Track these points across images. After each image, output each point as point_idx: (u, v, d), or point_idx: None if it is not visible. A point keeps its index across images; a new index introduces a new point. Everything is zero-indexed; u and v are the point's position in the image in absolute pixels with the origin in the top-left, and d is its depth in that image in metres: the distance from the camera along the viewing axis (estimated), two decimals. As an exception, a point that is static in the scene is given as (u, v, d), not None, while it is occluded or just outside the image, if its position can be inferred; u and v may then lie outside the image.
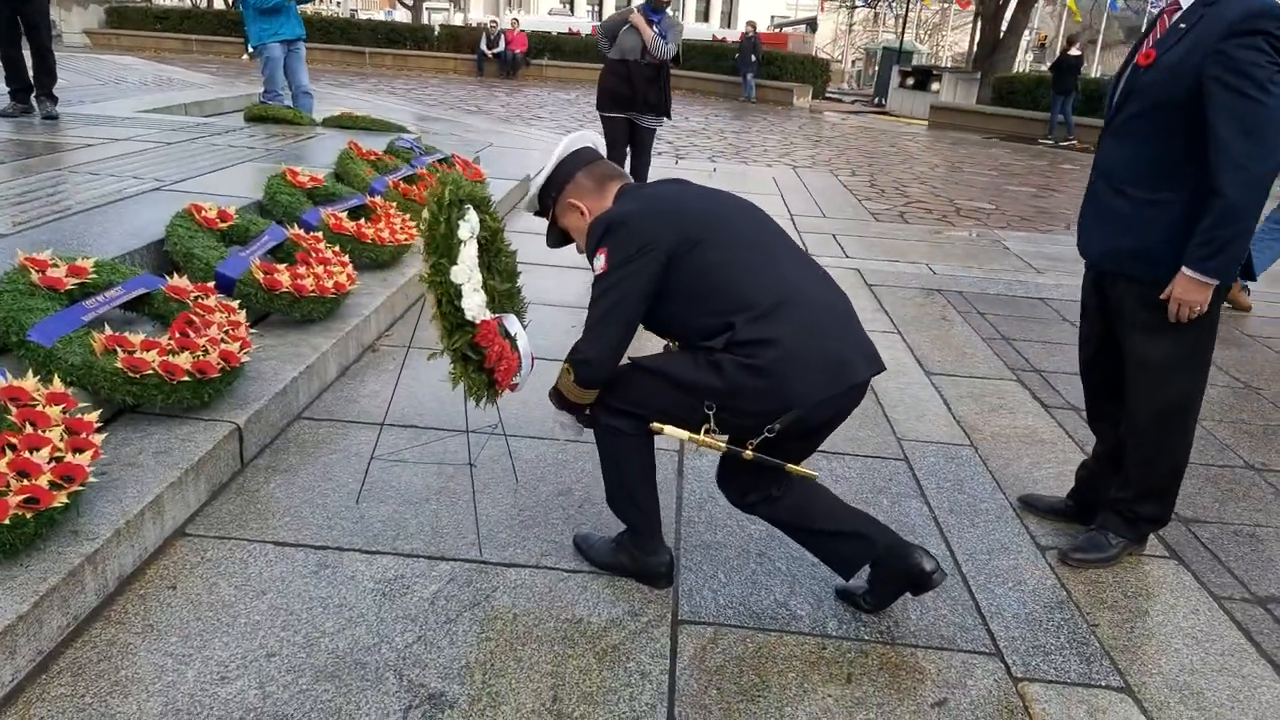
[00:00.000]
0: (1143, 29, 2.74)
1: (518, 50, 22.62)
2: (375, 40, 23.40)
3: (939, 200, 8.82)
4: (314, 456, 2.82)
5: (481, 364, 2.29)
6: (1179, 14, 2.26)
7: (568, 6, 69.31)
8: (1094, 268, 2.53)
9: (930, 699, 2.01)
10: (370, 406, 3.20)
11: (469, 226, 2.26)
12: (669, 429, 2.07)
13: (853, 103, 25.73)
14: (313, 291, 3.35)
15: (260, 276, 3.25)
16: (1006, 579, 2.47)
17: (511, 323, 2.45)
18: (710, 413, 2.01)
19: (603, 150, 2.38)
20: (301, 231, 3.80)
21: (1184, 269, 2.20)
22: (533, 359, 2.51)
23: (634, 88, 5.82)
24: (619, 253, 2.03)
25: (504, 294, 2.53)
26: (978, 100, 19.21)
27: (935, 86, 21.36)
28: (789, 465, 2.10)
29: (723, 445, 2.05)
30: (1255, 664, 2.20)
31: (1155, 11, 2.52)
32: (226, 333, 2.80)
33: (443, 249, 2.19)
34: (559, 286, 4.74)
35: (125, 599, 2.10)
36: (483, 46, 22.60)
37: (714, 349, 2.00)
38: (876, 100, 24.76)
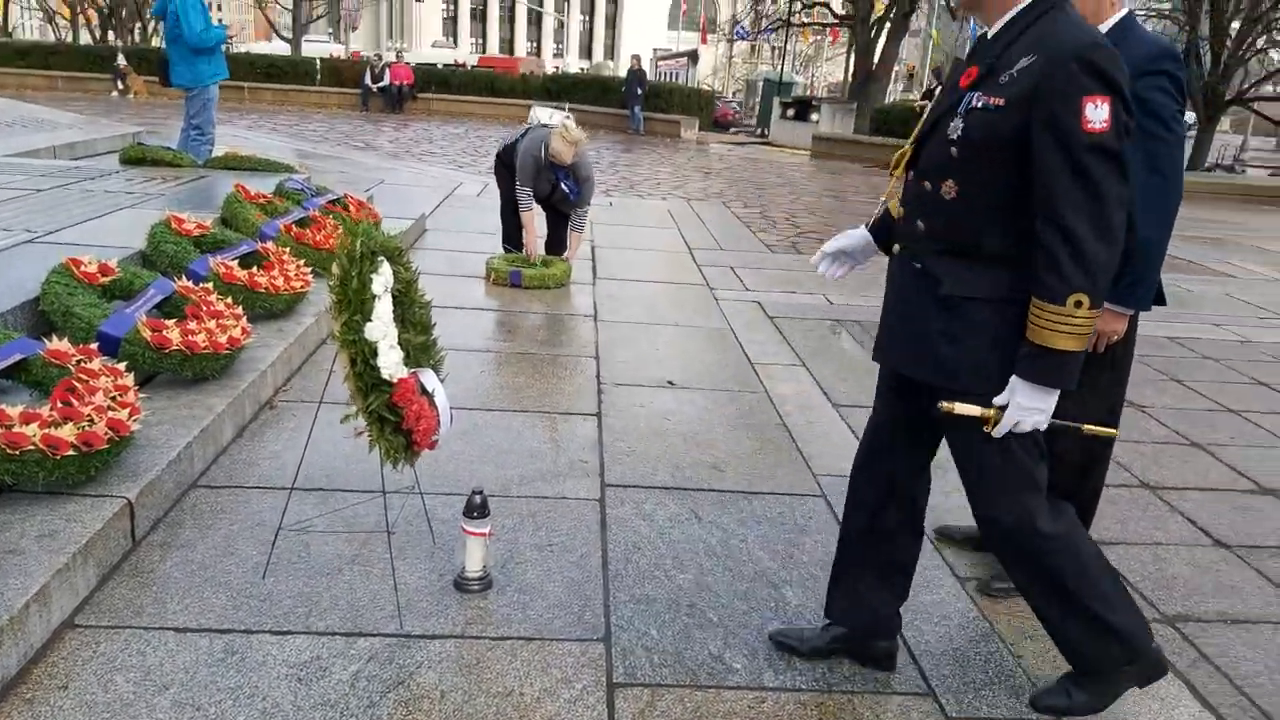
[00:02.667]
0: None
1: (403, 84, 22.31)
2: (254, 75, 22.69)
3: (829, 229, 9.06)
4: (213, 528, 2.65)
5: (399, 424, 2.20)
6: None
7: (451, 39, 68.98)
8: None
9: (871, 747, 2.00)
10: (271, 470, 3.04)
11: (382, 280, 2.17)
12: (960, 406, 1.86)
13: (736, 133, 26.37)
14: (205, 348, 3.17)
15: (148, 334, 3.06)
16: (932, 614, 2.51)
17: (429, 377, 2.36)
18: None
19: None
20: (190, 283, 3.60)
21: (1105, 303, 2.30)
22: (451, 413, 2.42)
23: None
24: (1126, 111, 1.72)
25: (419, 347, 2.44)
26: (855, 130, 19.95)
27: (815, 117, 22.11)
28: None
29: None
30: (1170, 684, 2.28)
31: None
32: (113, 399, 2.61)
33: (355, 305, 2.10)
34: (467, 329, 4.65)
35: (10, 705, 1.91)
36: (367, 81, 22.21)
37: None
38: (760, 131, 25.45)
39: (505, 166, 5.87)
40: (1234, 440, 4.03)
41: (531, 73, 29.73)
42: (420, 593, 2.43)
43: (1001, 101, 1.76)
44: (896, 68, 28.60)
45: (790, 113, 23.44)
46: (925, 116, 1.96)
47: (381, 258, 2.21)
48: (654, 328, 5.06)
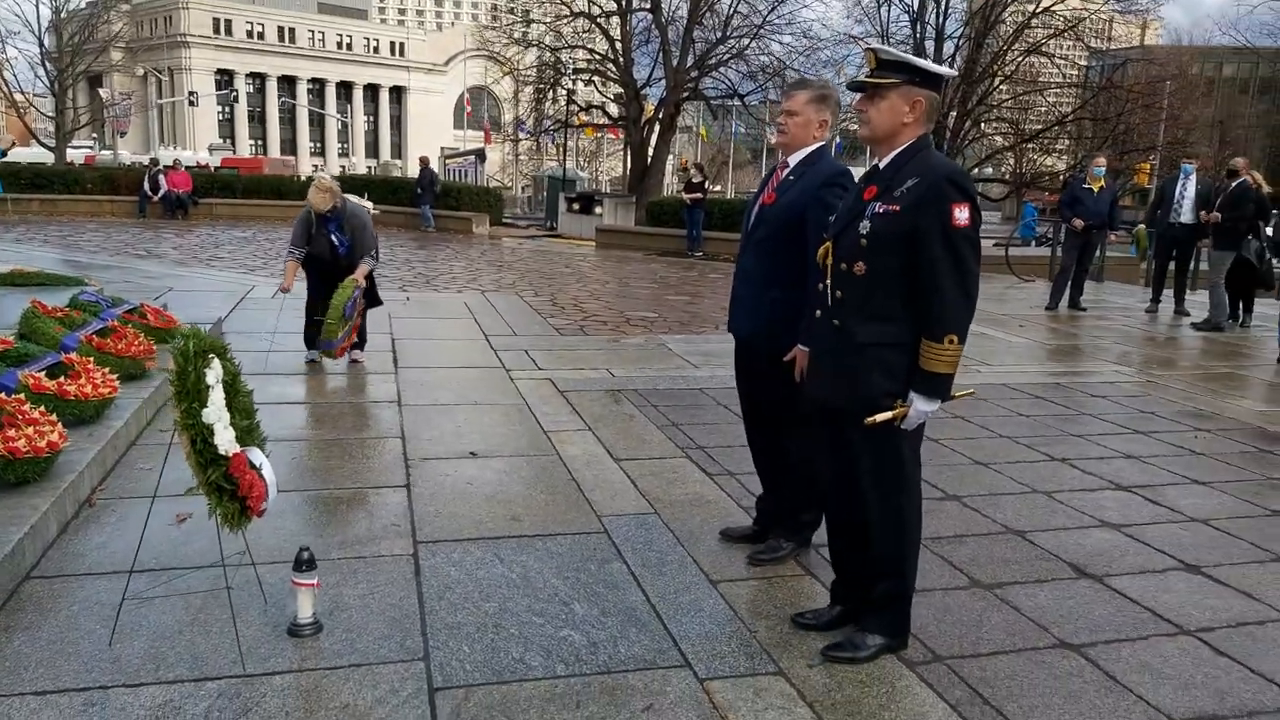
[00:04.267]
0: (763, 177, 3.74)
1: (182, 190, 21.76)
2: (18, 185, 21.41)
3: (612, 313, 9.90)
4: (54, 611, 2.91)
5: (235, 493, 2.61)
6: (788, 170, 3.33)
7: (228, 141, 66.96)
8: (740, 340, 3.51)
9: (640, 706, 2.57)
10: (101, 558, 3.30)
11: (215, 373, 2.61)
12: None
13: (526, 227, 27.39)
14: (27, 453, 3.40)
15: (-30, 444, 3.27)
16: (689, 610, 3.13)
17: (255, 454, 2.79)
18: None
19: None
20: (2, 395, 3.79)
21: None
22: (276, 485, 2.85)
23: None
24: (977, 214, 2.60)
25: (244, 430, 2.86)
26: (636, 221, 21.39)
27: (599, 210, 23.45)
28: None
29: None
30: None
31: (772, 166, 3.53)
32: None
33: (194, 395, 2.52)
34: (277, 422, 4.92)
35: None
36: (145, 188, 21.47)
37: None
38: (548, 224, 26.58)
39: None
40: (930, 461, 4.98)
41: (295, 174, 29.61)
42: (258, 641, 2.80)
43: (897, 209, 2.60)
44: (670, 162, 30.86)
45: (576, 206, 24.72)
46: (835, 220, 2.80)
47: (213, 355, 2.65)
48: (455, 407, 5.56)
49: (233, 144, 70.57)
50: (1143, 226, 10.61)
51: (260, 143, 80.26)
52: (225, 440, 2.57)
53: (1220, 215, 9.85)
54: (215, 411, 2.55)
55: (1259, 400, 6.78)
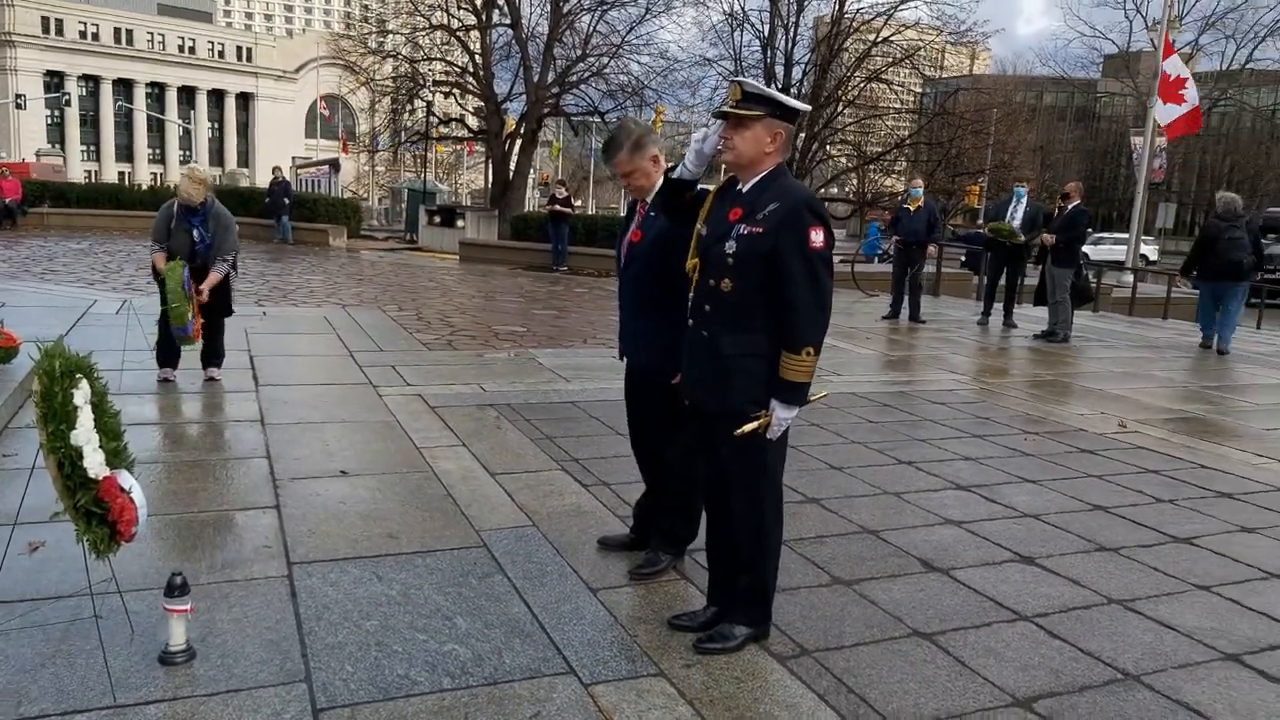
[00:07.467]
0: (625, 213, 3.87)
1: (10, 199, 20.21)
2: None
3: (480, 327, 9.87)
4: (-106, 650, 2.72)
5: (104, 517, 2.54)
6: (648, 207, 3.50)
7: (58, 147, 62.73)
8: (633, 367, 3.65)
9: (528, 714, 2.64)
10: (-56, 592, 3.09)
11: (83, 393, 2.53)
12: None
13: (386, 239, 26.81)
14: None
15: None
16: (571, 618, 3.22)
17: (125, 478, 2.71)
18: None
19: None
20: None
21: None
22: (146, 509, 2.77)
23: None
24: (831, 236, 2.87)
25: (112, 452, 2.77)
26: (499, 235, 21.31)
27: (460, 223, 23.24)
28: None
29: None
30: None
31: (633, 201, 3.66)
32: None
33: (61, 416, 2.44)
34: (133, 443, 4.73)
35: None
36: (-34, 197, 19.82)
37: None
38: (409, 237, 26.11)
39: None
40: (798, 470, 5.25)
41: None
42: (129, 672, 2.70)
43: (760, 230, 2.81)
44: (532, 176, 30.90)
45: (437, 219, 24.41)
46: (703, 239, 2.96)
47: (80, 375, 2.57)
48: (323, 425, 5.46)
49: (63, 149, 66.03)
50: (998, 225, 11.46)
51: (94, 148, 75.31)
52: (95, 463, 2.49)
53: (1056, 237, 10.75)
54: (84, 434, 2.48)
55: (1080, 405, 7.44)
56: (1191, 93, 17.08)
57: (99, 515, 2.52)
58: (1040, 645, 3.19)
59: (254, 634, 2.98)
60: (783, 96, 2.94)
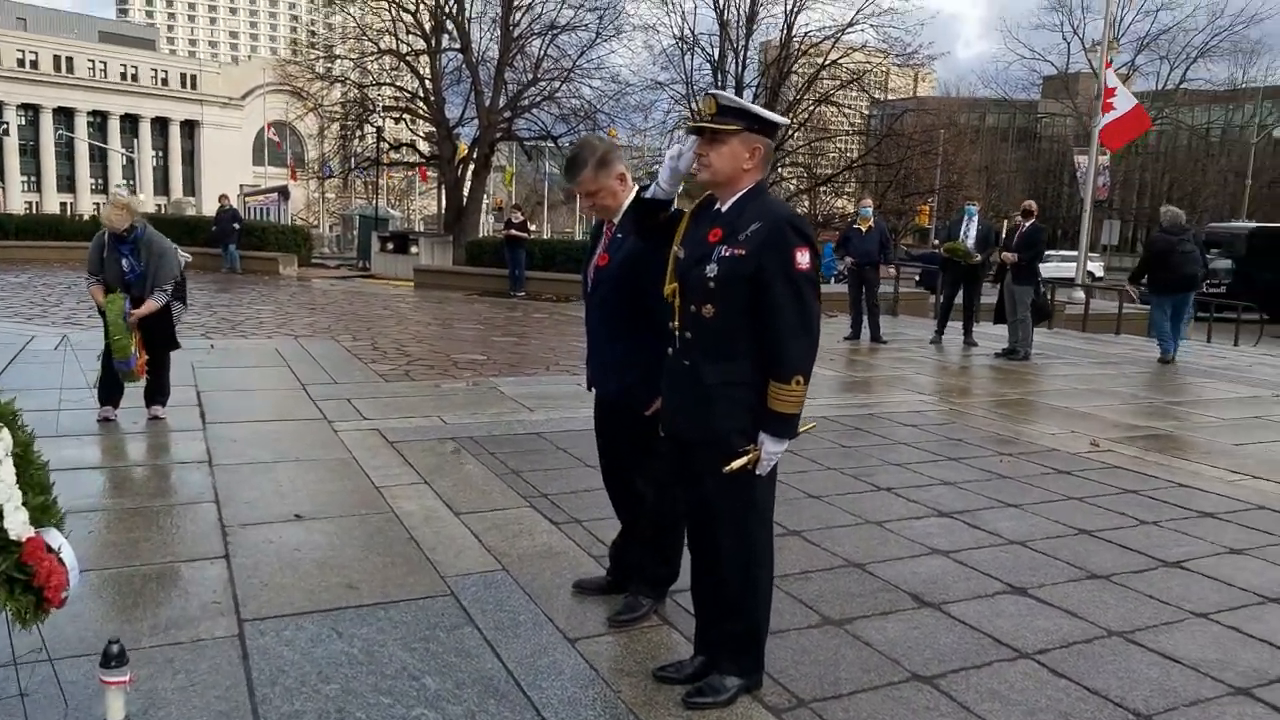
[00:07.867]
0: (590, 236, 3.67)
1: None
2: None
3: (438, 356, 9.60)
4: None
5: (29, 583, 2.27)
6: (615, 229, 3.33)
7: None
8: (602, 396, 3.46)
9: (508, 784, 2.41)
10: None
11: (3, 445, 2.26)
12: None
13: (337, 267, 26.35)
14: None
15: None
16: (549, 673, 2.99)
17: (53, 536, 2.44)
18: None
19: None
20: None
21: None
22: (79, 570, 2.50)
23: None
24: (816, 257, 2.67)
25: (39, 508, 2.49)
26: (454, 261, 21.00)
27: (414, 249, 22.88)
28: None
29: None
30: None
31: (599, 223, 3.48)
32: None
33: (-24, 475, 2.17)
34: (71, 490, 4.39)
35: None
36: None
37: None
38: (361, 264, 25.68)
39: None
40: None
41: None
42: (58, 753, 2.43)
43: (743, 252, 2.62)
44: (485, 202, 30.63)
45: (390, 246, 24.02)
46: (681, 262, 2.77)
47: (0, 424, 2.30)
48: (275, 465, 5.16)
49: (2, 179, 64.26)
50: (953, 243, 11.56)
51: (34, 179, 73.40)
52: (17, 523, 2.23)
53: (1017, 255, 10.79)
54: (4, 490, 2.21)
55: (1049, 424, 7.39)
56: (1123, 100, 17.37)
57: (23, 582, 2.25)
58: (1045, 685, 3.03)
59: (201, 705, 2.71)
60: (760, 109, 2.77)
